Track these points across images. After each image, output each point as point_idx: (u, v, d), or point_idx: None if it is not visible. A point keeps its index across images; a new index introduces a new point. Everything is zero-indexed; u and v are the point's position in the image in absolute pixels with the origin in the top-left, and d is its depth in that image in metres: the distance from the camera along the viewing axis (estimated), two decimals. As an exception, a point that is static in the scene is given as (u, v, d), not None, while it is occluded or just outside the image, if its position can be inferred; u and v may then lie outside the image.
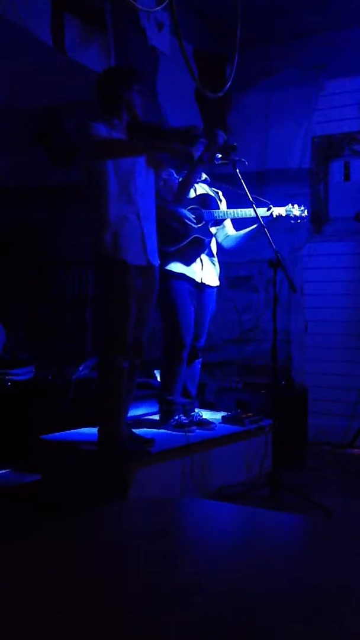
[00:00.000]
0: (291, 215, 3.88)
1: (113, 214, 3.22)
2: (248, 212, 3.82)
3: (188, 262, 3.85)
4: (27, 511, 3.23)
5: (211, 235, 3.92)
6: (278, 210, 3.86)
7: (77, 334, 5.46)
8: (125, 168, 3.24)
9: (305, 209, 3.92)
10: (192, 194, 3.89)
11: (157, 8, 3.75)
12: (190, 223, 3.78)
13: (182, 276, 3.81)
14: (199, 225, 3.83)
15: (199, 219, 3.83)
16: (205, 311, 3.97)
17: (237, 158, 3.59)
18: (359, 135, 5.08)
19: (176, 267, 3.80)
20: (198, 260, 3.90)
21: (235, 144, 3.58)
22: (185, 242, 3.80)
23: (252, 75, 5.33)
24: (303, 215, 3.90)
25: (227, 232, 4.03)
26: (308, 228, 5.23)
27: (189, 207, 3.84)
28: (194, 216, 3.82)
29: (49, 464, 3.53)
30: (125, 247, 3.23)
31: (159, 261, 3.43)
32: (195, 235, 3.82)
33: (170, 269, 3.78)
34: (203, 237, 3.87)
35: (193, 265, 3.87)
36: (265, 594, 1.31)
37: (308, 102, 5.23)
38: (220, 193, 4.07)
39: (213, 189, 4.05)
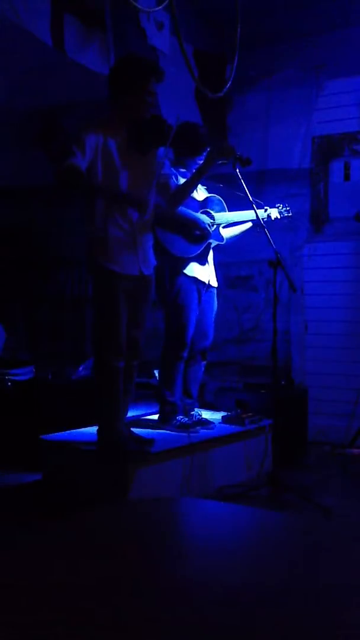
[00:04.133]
0: (283, 215, 3.98)
1: (103, 221, 3.19)
2: (250, 215, 3.89)
3: (200, 265, 3.88)
4: (28, 511, 3.23)
5: (222, 238, 3.95)
6: (274, 213, 3.94)
7: (77, 334, 5.46)
8: (120, 172, 3.20)
9: (289, 208, 4.02)
10: (199, 197, 3.90)
11: (157, 8, 3.75)
12: (208, 228, 3.81)
13: (194, 279, 3.84)
14: (212, 229, 3.87)
15: (211, 224, 3.87)
16: (211, 311, 4.00)
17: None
18: (359, 135, 5.08)
19: (190, 270, 3.83)
20: (206, 262, 3.93)
21: (251, 159, 3.51)
22: (202, 248, 3.83)
23: (252, 75, 5.33)
24: (289, 215, 4.02)
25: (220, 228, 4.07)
26: (308, 228, 5.23)
27: (201, 211, 3.86)
28: (210, 221, 3.85)
29: (49, 464, 3.53)
30: (114, 257, 3.20)
31: (154, 265, 3.41)
32: (210, 240, 3.86)
33: (186, 272, 3.81)
34: (217, 242, 3.91)
35: (203, 267, 3.90)
36: (265, 594, 1.31)
37: (308, 102, 5.23)
38: (206, 189, 4.07)
39: (203, 186, 4.06)
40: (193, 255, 3.82)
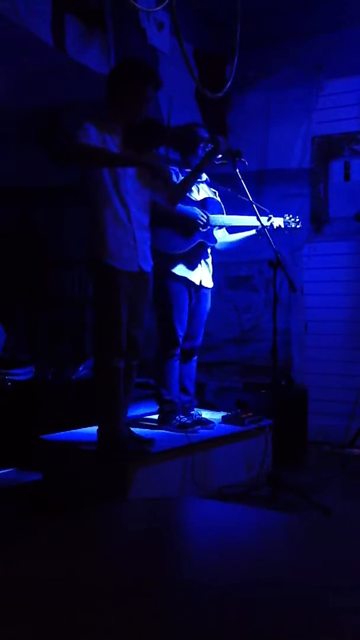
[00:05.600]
0: (289, 226, 4.01)
1: (104, 216, 3.19)
2: (250, 220, 3.89)
3: (191, 266, 3.87)
4: (28, 511, 3.23)
5: (215, 241, 3.95)
6: (277, 222, 3.95)
7: (77, 334, 5.46)
8: (118, 169, 3.22)
9: (299, 220, 4.05)
10: (196, 197, 3.91)
11: (157, 8, 3.75)
12: (201, 219, 3.80)
13: (184, 279, 3.83)
14: (205, 229, 3.86)
15: (205, 224, 3.85)
16: (202, 312, 4.01)
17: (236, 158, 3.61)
18: (359, 135, 5.08)
19: (179, 270, 3.82)
20: (198, 263, 3.92)
21: (241, 150, 3.56)
22: (191, 247, 3.82)
23: (252, 75, 5.32)
24: (298, 227, 4.05)
25: (221, 234, 4.05)
26: (308, 228, 5.23)
27: (197, 210, 3.86)
28: (205, 218, 3.83)
29: (49, 464, 3.53)
30: (114, 253, 3.20)
31: (151, 264, 3.41)
32: (201, 240, 3.85)
33: (174, 271, 3.80)
34: (208, 243, 3.90)
35: (195, 268, 3.89)
36: (265, 593, 1.31)
37: (308, 102, 5.23)
38: (217, 193, 4.08)
39: (212, 189, 4.06)
40: (180, 252, 3.79)
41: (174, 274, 3.80)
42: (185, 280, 3.84)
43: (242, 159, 3.60)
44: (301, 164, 5.26)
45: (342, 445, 4.73)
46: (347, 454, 4.58)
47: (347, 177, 5.18)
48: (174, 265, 3.80)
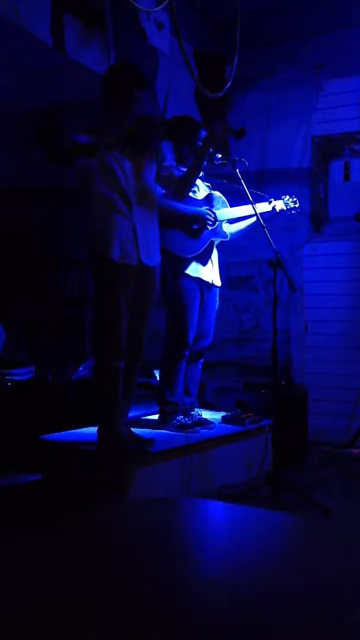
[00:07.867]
0: (289, 206, 4.03)
1: (104, 210, 3.19)
2: (252, 211, 3.86)
3: (203, 264, 3.87)
4: (28, 511, 3.23)
5: (226, 235, 3.94)
6: (279, 205, 3.96)
7: (77, 334, 5.46)
8: (116, 165, 3.22)
9: (297, 199, 4.09)
10: (199, 196, 3.91)
11: (157, 8, 3.75)
12: (207, 216, 3.80)
13: (197, 279, 3.83)
14: (214, 227, 3.86)
15: (213, 221, 3.86)
16: (212, 310, 4.00)
17: (236, 158, 3.63)
18: (359, 135, 5.08)
19: (193, 270, 3.82)
20: (209, 261, 3.92)
21: (244, 129, 3.55)
22: (204, 247, 3.83)
23: (252, 75, 5.33)
24: (296, 205, 4.08)
25: (226, 225, 4.06)
26: (308, 228, 5.24)
27: (205, 208, 3.86)
28: (212, 215, 3.83)
29: (49, 464, 3.53)
30: (112, 245, 3.17)
31: (156, 261, 3.38)
32: (213, 239, 3.86)
33: (188, 272, 3.79)
34: (220, 239, 3.91)
35: (206, 266, 3.90)
36: (265, 594, 1.31)
37: (308, 102, 5.23)
38: (211, 187, 4.08)
39: (205, 183, 4.06)
40: (193, 255, 3.81)
41: (188, 275, 3.80)
42: (198, 280, 3.84)
43: (242, 159, 3.61)
44: (301, 164, 5.27)
45: (342, 445, 4.73)
46: (347, 454, 4.58)
47: (347, 177, 5.18)
48: (187, 266, 3.79)
